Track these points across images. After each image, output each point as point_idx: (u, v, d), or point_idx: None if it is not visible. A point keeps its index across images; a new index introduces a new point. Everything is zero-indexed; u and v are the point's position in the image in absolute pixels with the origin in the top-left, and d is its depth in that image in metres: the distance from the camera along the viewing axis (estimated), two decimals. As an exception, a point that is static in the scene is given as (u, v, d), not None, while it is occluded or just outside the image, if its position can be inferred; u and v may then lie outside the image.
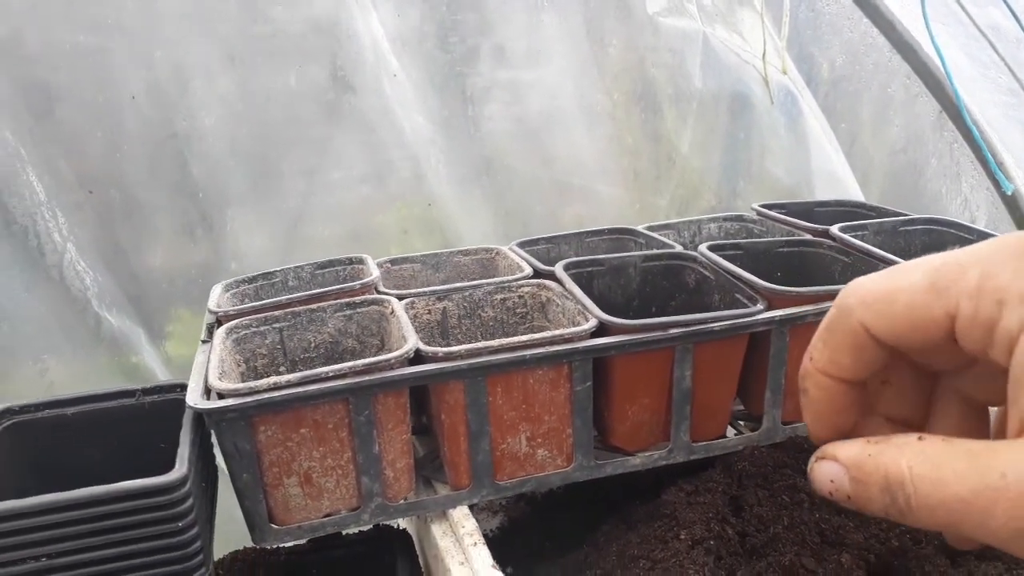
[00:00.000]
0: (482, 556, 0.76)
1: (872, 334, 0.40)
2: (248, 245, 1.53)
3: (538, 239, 1.08)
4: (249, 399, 0.70)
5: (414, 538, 0.93)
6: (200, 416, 0.73)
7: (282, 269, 1.02)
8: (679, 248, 0.97)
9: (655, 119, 1.58)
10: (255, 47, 1.44)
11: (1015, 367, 0.36)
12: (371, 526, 0.95)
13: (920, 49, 1.91)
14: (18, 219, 1.38)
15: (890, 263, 0.90)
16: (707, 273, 0.92)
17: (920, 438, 0.38)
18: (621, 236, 1.08)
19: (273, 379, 0.71)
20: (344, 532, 0.95)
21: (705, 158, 1.61)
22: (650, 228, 1.08)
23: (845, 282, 0.40)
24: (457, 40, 1.54)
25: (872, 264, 0.91)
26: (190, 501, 0.65)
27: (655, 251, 0.96)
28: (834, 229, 1.00)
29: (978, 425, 0.45)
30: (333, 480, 0.77)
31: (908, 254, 1.02)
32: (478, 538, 0.78)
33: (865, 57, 1.88)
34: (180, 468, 0.65)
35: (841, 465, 0.40)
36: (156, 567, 0.64)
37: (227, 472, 0.74)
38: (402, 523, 0.97)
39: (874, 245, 0.95)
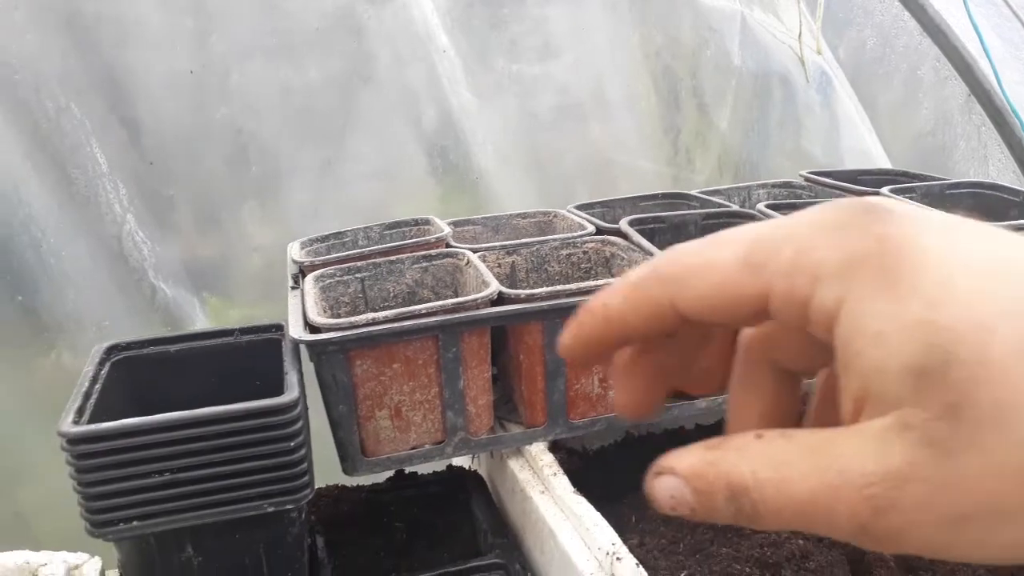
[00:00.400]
0: (563, 484, 0.80)
1: (676, 308, 0.37)
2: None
3: (593, 203, 1.12)
4: (348, 333, 0.74)
5: (485, 478, 0.97)
6: (298, 351, 0.78)
7: (352, 229, 1.07)
8: (737, 207, 1.01)
9: (695, 97, 1.62)
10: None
11: (840, 348, 0.34)
12: (445, 467, 1.00)
13: (950, 32, 1.95)
14: (82, 190, 1.43)
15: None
16: (765, 229, 0.96)
17: (758, 436, 0.35)
18: (675, 200, 1.12)
19: (371, 315, 0.75)
20: (419, 472, 1.00)
21: (742, 135, 1.65)
22: (703, 192, 1.13)
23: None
24: (505, 15, 1.59)
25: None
26: (301, 423, 0.69)
27: (714, 209, 1.00)
28: (884, 190, 1.04)
29: (791, 392, 0.40)
30: (420, 414, 0.81)
31: (954, 215, 1.06)
32: (556, 469, 0.83)
33: (896, 39, 1.91)
34: (292, 392, 0.69)
35: (679, 478, 0.35)
36: (269, 484, 0.69)
37: (323, 403, 0.79)
38: (472, 466, 1.01)
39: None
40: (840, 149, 1.74)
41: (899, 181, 1.15)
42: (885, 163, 1.84)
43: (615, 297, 0.37)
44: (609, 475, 1.07)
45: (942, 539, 0.32)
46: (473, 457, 1.02)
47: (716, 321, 0.37)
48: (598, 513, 0.76)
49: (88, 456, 0.64)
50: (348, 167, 1.59)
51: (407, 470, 0.98)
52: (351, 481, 0.95)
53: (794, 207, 1.02)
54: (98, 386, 0.74)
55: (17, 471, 1.42)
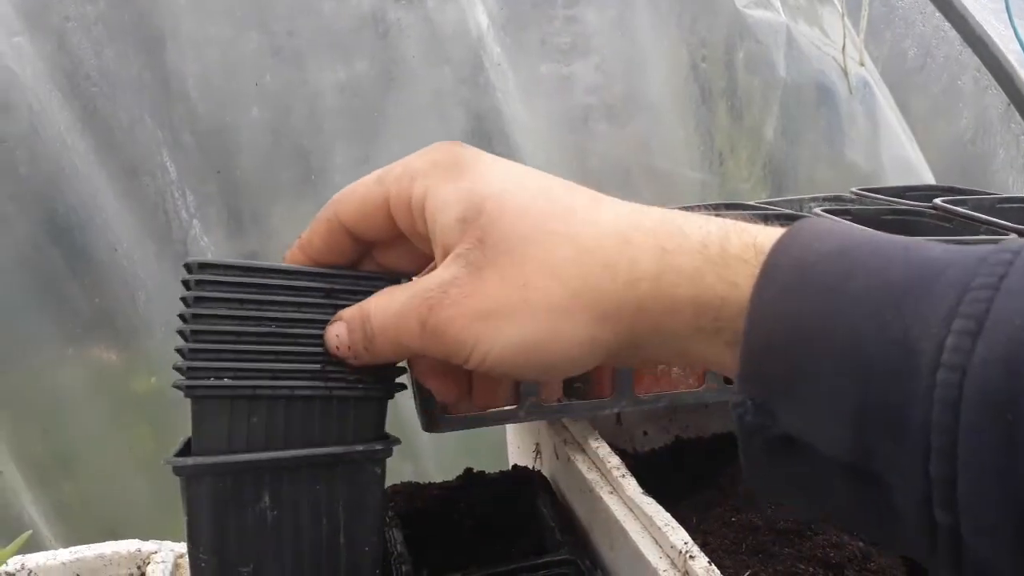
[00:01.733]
0: (632, 485, 0.85)
1: (341, 222, 0.50)
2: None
3: (652, 212, 1.16)
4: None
5: (549, 478, 1.02)
6: None
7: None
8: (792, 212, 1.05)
9: (740, 106, 1.66)
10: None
11: (428, 221, 0.47)
12: (511, 466, 1.05)
13: (991, 42, 1.97)
14: (151, 196, 1.49)
15: (993, 225, 0.97)
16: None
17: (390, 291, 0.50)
18: (731, 210, 1.16)
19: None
20: (487, 472, 1.04)
21: (787, 144, 1.69)
22: (759, 203, 1.16)
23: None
24: (542, 15, 1.63)
25: (974, 228, 0.98)
26: None
27: (774, 212, 1.04)
28: (937, 201, 1.07)
29: None
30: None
31: (1004, 229, 1.08)
32: (624, 471, 0.87)
33: (936, 50, 1.94)
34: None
35: (343, 322, 0.50)
36: None
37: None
38: (536, 466, 1.06)
39: (975, 220, 1.02)
40: (882, 158, 1.77)
41: (948, 196, 1.18)
42: (926, 171, 1.87)
43: (306, 231, 0.53)
44: (662, 477, 1.11)
45: (474, 331, 0.45)
46: (536, 457, 1.07)
47: (369, 229, 0.51)
48: (668, 514, 0.80)
49: None
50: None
51: (476, 468, 1.03)
52: (420, 479, 1.00)
53: (848, 212, 1.06)
54: None
55: (85, 464, 1.49)
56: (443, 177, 0.46)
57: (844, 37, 1.70)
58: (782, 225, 0.42)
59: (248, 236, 1.58)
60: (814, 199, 1.21)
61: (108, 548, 0.77)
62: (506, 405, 0.87)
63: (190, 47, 1.48)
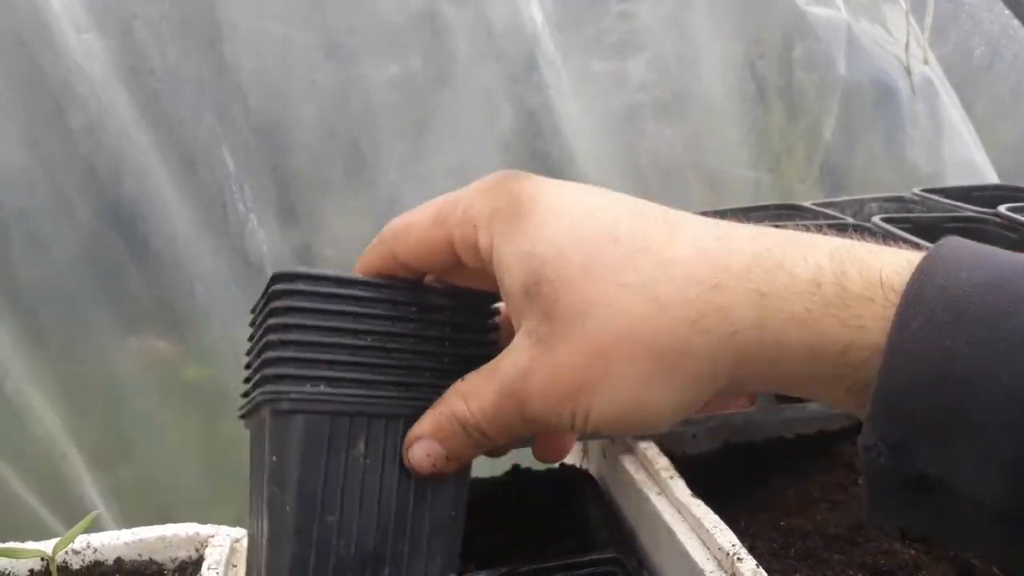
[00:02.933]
0: (680, 487, 0.84)
1: (398, 259, 0.49)
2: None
3: (706, 212, 1.15)
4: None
5: (596, 478, 1.02)
6: None
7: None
8: (852, 220, 1.03)
9: (797, 105, 1.63)
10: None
11: (497, 280, 0.45)
12: (558, 464, 1.05)
13: (1063, 41, 1.90)
14: (210, 190, 1.53)
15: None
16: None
17: (463, 379, 0.48)
18: (788, 211, 1.15)
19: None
20: (534, 468, 1.05)
21: (846, 145, 1.65)
22: (816, 204, 1.14)
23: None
24: (593, 11, 1.62)
25: (1042, 238, 0.95)
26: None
27: (829, 222, 1.02)
28: (1001, 208, 1.04)
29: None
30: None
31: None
32: (673, 472, 0.87)
33: (1005, 49, 1.88)
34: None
35: (426, 438, 0.49)
36: None
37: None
38: (583, 465, 1.06)
39: (1043, 224, 0.98)
40: (944, 160, 1.72)
41: (1018, 197, 1.14)
42: (990, 173, 1.81)
43: (359, 262, 0.52)
44: (710, 481, 1.10)
45: (568, 407, 0.42)
46: (583, 456, 1.07)
47: (426, 265, 0.50)
48: (717, 516, 0.79)
49: None
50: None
51: (523, 465, 1.03)
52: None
53: (908, 220, 1.04)
54: None
55: (141, 449, 1.53)
56: (504, 230, 0.43)
57: (908, 35, 1.66)
58: (884, 243, 0.39)
59: (302, 229, 1.61)
60: (874, 200, 1.19)
61: (168, 530, 0.80)
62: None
63: (248, 44, 1.52)
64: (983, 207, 1.08)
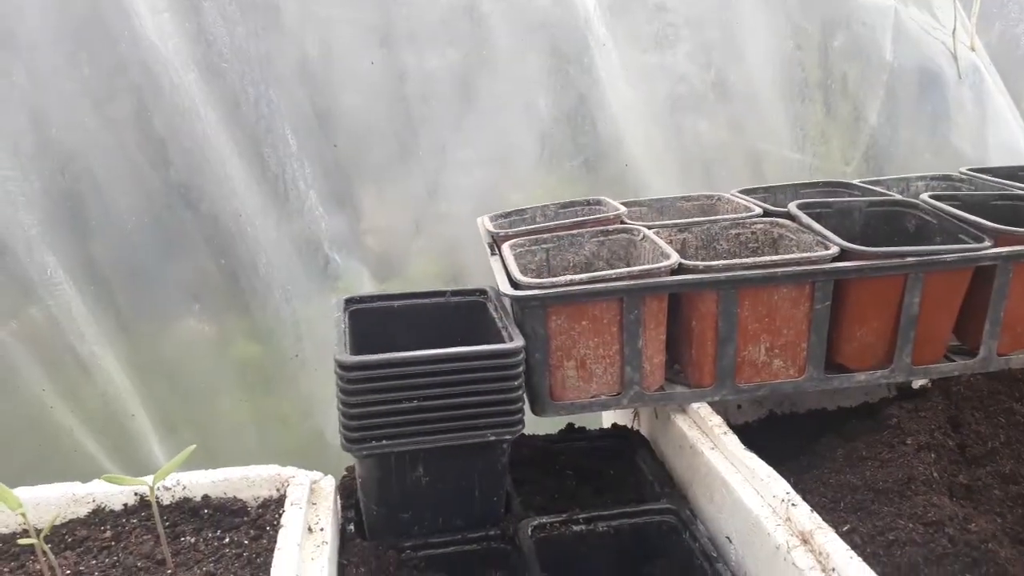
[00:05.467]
0: (734, 441, 0.88)
1: None
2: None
3: (756, 188, 1.19)
4: (549, 291, 0.85)
5: (647, 437, 1.06)
6: (508, 311, 0.90)
7: (531, 207, 1.17)
8: (898, 196, 1.06)
9: (845, 89, 1.65)
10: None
11: None
12: (610, 425, 1.09)
13: (1113, 29, 1.89)
14: (272, 167, 1.58)
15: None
16: (928, 218, 1.01)
17: None
18: (837, 188, 1.17)
19: (568, 277, 0.85)
20: (587, 428, 1.09)
21: (892, 128, 1.67)
22: (864, 182, 1.17)
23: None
24: (656, 10, 1.66)
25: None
26: (522, 366, 0.81)
27: (879, 198, 1.05)
28: (1049, 184, 1.06)
29: None
30: (602, 367, 0.90)
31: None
32: (726, 428, 0.91)
33: (1053, 36, 1.87)
34: (518, 340, 0.81)
35: None
36: (493, 416, 0.80)
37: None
38: (633, 426, 1.10)
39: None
40: (988, 145, 1.73)
41: (1064, 176, 1.16)
42: (1037, 160, 1.81)
43: None
44: (757, 445, 1.13)
45: None
46: (634, 418, 1.11)
47: None
48: (769, 467, 0.83)
49: (356, 381, 0.76)
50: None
51: (577, 424, 1.08)
52: (527, 430, 1.06)
53: (956, 198, 1.06)
54: (346, 329, 0.87)
55: (202, 413, 1.59)
56: None
57: (955, 21, 1.67)
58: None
59: (359, 206, 1.67)
60: (920, 178, 1.21)
61: (252, 471, 0.86)
62: (610, 392, 0.93)
63: (310, 30, 1.57)
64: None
